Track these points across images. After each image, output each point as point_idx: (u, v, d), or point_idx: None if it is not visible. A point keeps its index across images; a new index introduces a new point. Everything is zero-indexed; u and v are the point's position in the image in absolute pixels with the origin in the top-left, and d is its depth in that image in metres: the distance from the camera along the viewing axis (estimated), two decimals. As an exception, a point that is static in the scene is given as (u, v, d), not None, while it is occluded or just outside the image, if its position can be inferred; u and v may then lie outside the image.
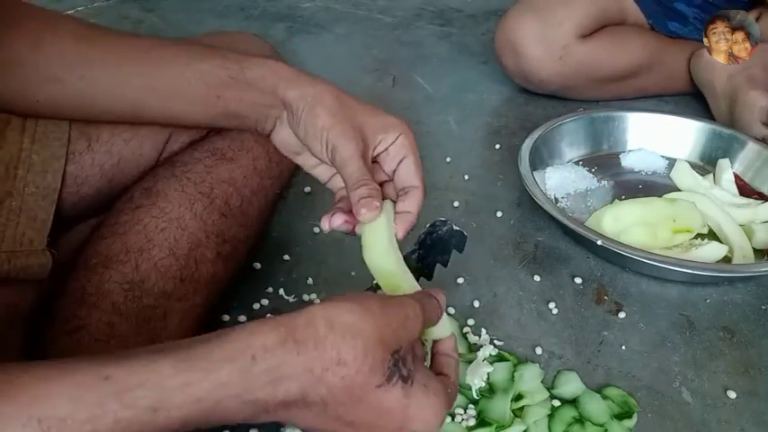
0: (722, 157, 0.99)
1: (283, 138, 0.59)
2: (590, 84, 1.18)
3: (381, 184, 0.55)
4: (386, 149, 0.56)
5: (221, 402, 0.36)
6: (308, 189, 0.93)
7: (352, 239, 0.85)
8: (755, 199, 0.93)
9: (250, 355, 0.37)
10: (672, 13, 1.17)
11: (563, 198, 0.93)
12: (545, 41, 1.12)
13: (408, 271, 0.54)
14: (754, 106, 1.03)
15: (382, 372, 0.41)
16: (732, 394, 0.67)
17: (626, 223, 0.82)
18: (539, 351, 0.70)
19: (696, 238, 0.84)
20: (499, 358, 0.68)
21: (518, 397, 0.64)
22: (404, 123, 0.56)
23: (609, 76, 1.18)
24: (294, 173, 0.73)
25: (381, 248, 0.52)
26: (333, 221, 0.53)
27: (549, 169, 0.96)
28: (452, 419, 0.62)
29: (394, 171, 0.56)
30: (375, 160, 0.56)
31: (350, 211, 0.52)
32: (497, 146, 1.07)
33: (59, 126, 0.60)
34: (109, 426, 0.33)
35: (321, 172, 0.60)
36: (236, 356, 0.37)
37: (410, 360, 0.43)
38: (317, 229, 0.86)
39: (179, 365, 0.35)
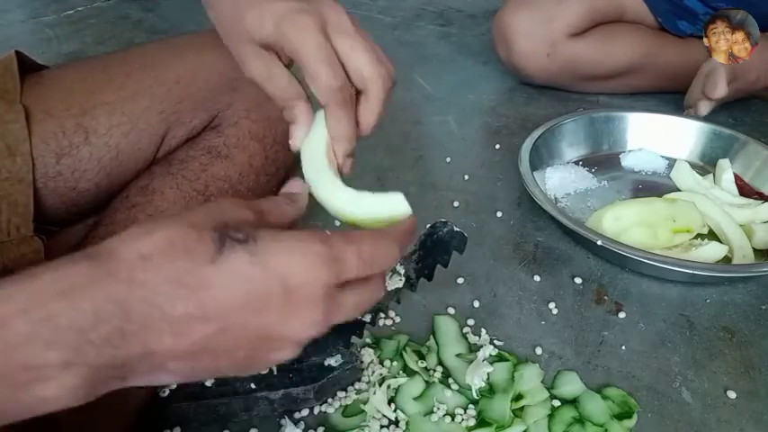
0: (722, 157, 0.99)
1: None
2: (577, 80, 1.20)
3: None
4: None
5: (6, 324, 0.30)
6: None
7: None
8: (755, 199, 0.93)
9: (29, 273, 0.32)
10: (682, 12, 1.17)
11: (563, 198, 0.93)
12: (534, 38, 1.14)
13: (340, 185, 0.47)
14: (705, 68, 1.04)
15: (206, 248, 0.34)
16: (732, 394, 0.67)
17: (626, 223, 0.82)
18: (539, 351, 0.70)
19: (696, 238, 0.84)
20: (499, 358, 0.68)
21: (518, 397, 0.64)
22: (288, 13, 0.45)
23: (597, 75, 1.19)
24: (292, 171, 0.73)
25: (313, 165, 0.47)
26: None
27: (549, 169, 0.96)
28: (452, 419, 0.62)
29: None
30: None
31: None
32: (497, 146, 1.07)
33: (12, 107, 0.59)
34: None
35: None
36: (15, 279, 0.32)
37: (245, 226, 0.36)
38: (316, 229, 0.86)
39: None
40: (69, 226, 0.63)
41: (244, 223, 0.36)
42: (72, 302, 0.31)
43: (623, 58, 1.18)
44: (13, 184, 0.57)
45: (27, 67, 0.64)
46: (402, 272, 0.63)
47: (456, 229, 0.62)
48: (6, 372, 0.30)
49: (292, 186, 0.45)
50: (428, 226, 0.63)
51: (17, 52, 0.63)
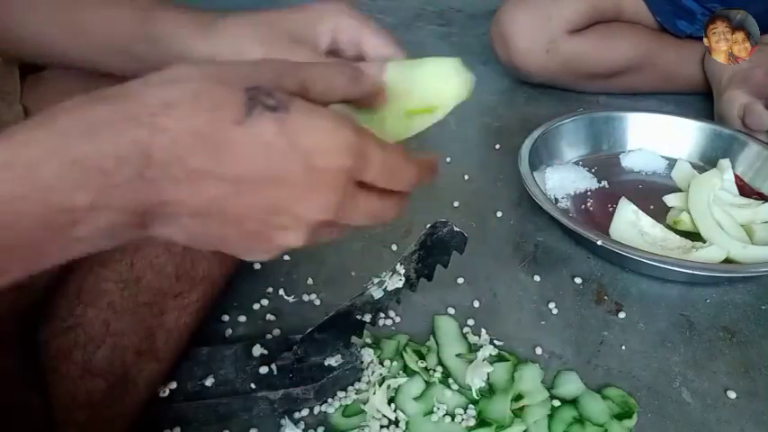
0: (722, 157, 0.99)
1: None
2: (577, 79, 1.20)
3: None
4: (335, 45, 0.51)
5: (38, 167, 0.29)
6: (307, 189, 0.93)
7: (350, 241, 0.85)
8: (755, 199, 0.93)
9: (52, 114, 0.31)
10: (680, 11, 1.17)
11: (563, 198, 0.93)
12: (532, 35, 1.15)
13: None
14: (734, 103, 1.04)
15: (234, 108, 0.33)
16: (732, 394, 0.67)
17: None
18: (539, 351, 0.70)
19: (696, 240, 0.84)
20: (499, 358, 0.68)
21: (518, 397, 0.64)
22: (335, 6, 0.51)
23: (596, 73, 1.19)
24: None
25: None
26: None
27: (548, 169, 0.96)
28: (452, 419, 0.62)
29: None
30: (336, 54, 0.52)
31: None
32: (497, 146, 1.07)
33: (12, 107, 0.59)
34: None
35: None
36: (37, 121, 0.31)
37: (279, 93, 0.34)
38: (316, 229, 0.86)
39: None
40: None
41: (280, 90, 0.34)
42: (97, 145, 0.30)
43: (623, 56, 1.18)
44: None
45: (27, 67, 0.64)
46: (402, 272, 0.63)
47: (456, 229, 0.62)
48: (44, 214, 0.30)
49: (369, 67, 0.43)
50: (428, 226, 0.63)
51: None
